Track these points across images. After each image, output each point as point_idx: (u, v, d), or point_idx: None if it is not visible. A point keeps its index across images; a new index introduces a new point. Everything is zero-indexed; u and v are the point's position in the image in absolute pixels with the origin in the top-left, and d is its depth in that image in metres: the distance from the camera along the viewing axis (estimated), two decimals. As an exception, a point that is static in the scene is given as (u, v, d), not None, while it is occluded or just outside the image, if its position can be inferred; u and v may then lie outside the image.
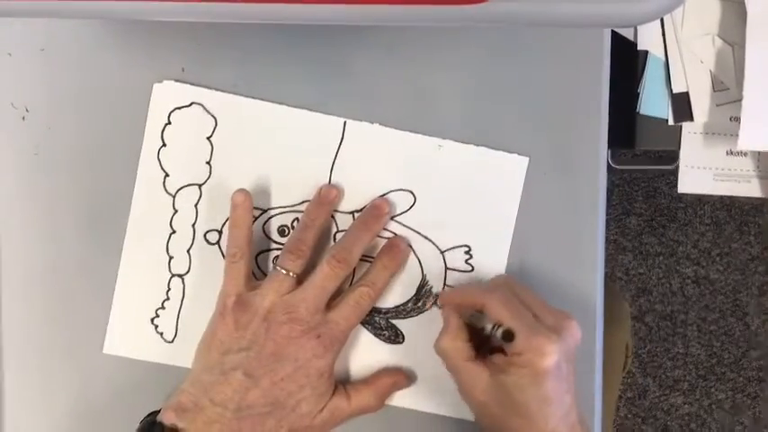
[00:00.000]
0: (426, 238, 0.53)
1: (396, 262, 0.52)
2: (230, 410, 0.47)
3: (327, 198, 0.52)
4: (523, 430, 0.46)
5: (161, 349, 0.53)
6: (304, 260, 0.50)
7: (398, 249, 0.52)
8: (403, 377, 0.52)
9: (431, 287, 0.53)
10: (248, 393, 0.48)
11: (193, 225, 0.53)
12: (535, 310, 0.48)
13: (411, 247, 0.53)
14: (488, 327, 0.47)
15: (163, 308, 0.53)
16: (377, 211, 0.52)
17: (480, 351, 0.49)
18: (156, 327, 0.53)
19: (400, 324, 0.53)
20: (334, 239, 0.53)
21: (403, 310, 0.53)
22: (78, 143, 0.53)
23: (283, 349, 0.48)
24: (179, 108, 0.53)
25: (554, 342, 0.45)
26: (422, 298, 0.53)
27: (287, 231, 0.53)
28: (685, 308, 1.31)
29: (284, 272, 0.49)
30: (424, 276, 0.53)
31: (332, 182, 0.53)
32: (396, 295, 0.53)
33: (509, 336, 0.45)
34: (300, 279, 0.50)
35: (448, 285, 0.53)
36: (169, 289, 0.53)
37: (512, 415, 0.46)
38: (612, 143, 0.55)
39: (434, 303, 0.53)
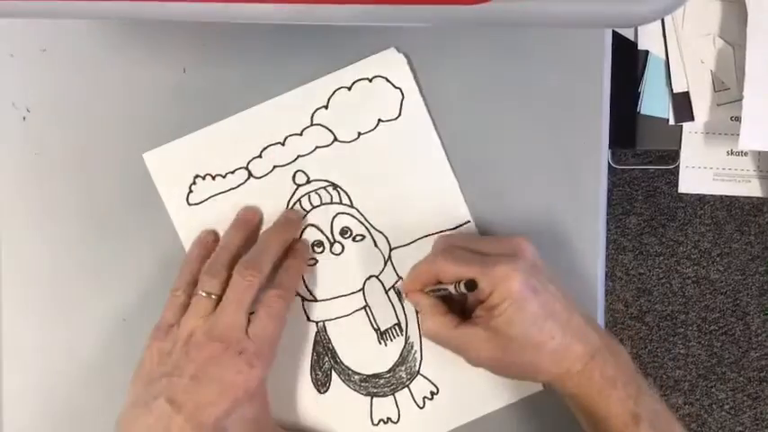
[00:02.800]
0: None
1: (296, 261, 0.52)
2: None
3: (245, 219, 0.52)
4: (539, 358, 0.45)
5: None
6: (220, 280, 0.48)
7: (295, 248, 0.52)
8: None
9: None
10: (171, 421, 0.44)
11: None
12: (482, 249, 0.47)
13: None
14: (451, 289, 0.47)
15: None
16: (285, 220, 0.52)
17: (465, 317, 0.48)
18: None
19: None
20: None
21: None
22: (79, 143, 0.53)
23: (205, 371, 0.46)
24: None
25: (511, 264, 0.45)
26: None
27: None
28: (686, 308, 1.31)
29: (204, 294, 0.48)
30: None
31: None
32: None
33: (472, 285, 0.45)
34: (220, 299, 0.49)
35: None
36: None
37: (521, 352, 0.45)
38: (613, 143, 0.55)
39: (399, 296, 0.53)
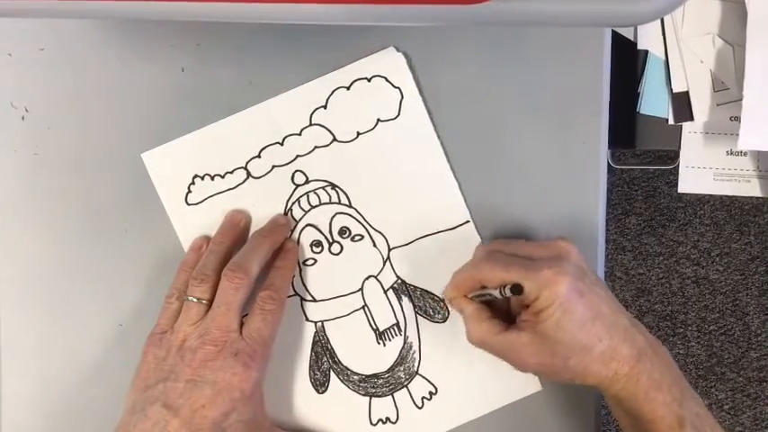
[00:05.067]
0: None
1: (286, 261, 0.52)
2: None
3: (232, 222, 0.52)
4: (588, 361, 0.45)
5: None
6: (209, 284, 0.48)
7: (288, 251, 0.52)
8: None
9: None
10: (168, 425, 0.45)
11: None
12: (527, 253, 0.47)
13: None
14: (496, 294, 0.46)
15: None
16: (273, 224, 0.52)
17: (509, 322, 0.48)
18: None
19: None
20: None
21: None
22: (78, 143, 0.53)
23: (200, 374, 0.46)
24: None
25: (557, 267, 0.45)
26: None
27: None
28: (685, 308, 1.31)
29: (194, 300, 0.49)
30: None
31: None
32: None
33: (518, 289, 0.45)
34: (212, 304, 0.49)
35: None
36: None
37: (569, 355, 0.45)
38: (613, 143, 0.55)
39: (444, 306, 0.53)
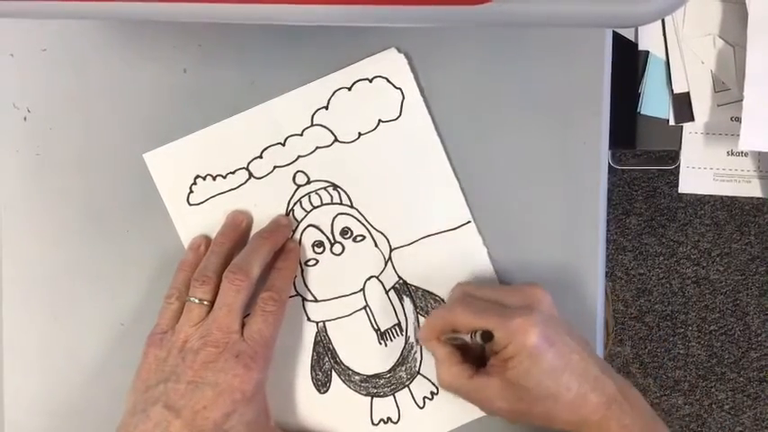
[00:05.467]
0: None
1: (287, 263, 0.52)
2: None
3: (234, 223, 0.52)
4: (556, 410, 0.45)
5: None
6: (210, 286, 0.49)
7: (289, 251, 0.52)
8: None
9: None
10: (170, 426, 0.45)
11: None
12: (499, 299, 0.48)
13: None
14: (467, 339, 0.47)
15: None
16: (274, 225, 0.52)
17: (480, 366, 0.49)
18: None
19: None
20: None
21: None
22: (80, 143, 0.54)
23: (202, 375, 0.46)
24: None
25: (527, 316, 0.45)
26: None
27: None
28: (685, 308, 1.31)
29: (196, 301, 0.49)
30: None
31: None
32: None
33: (488, 336, 0.45)
34: (213, 305, 0.49)
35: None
36: None
37: (537, 403, 0.45)
38: (613, 143, 0.55)
39: (417, 343, 0.53)
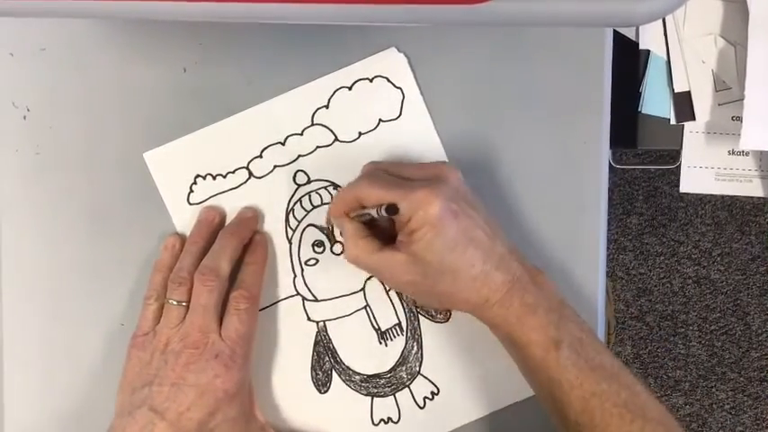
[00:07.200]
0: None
1: (256, 256, 0.52)
2: None
3: (207, 221, 0.52)
4: (458, 285, 0.45)
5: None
6: (187, 287, 0.49)
7: (256, 244, 0.52)
8: None
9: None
10: (155, 429, 0.46)
11: None
12: (406, 174, 0.47)
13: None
14: (374, 213, 0.46)
15: None
16: (239, 219, 0.52)
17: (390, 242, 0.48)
18: None
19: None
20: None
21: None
22: (79, 143, 0.53)
23: (184, 377, 0.47)
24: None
25: (431, 188, 0.44)
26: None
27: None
28: (686, 308, 1.31)
29: (174, 303, 0.49)
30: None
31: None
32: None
33: (392, 209, 0.44)
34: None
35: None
36: None
37: (440, 278, 0.45)
38: (614, 143, 0.55)
39: (330, 230, 0.53)
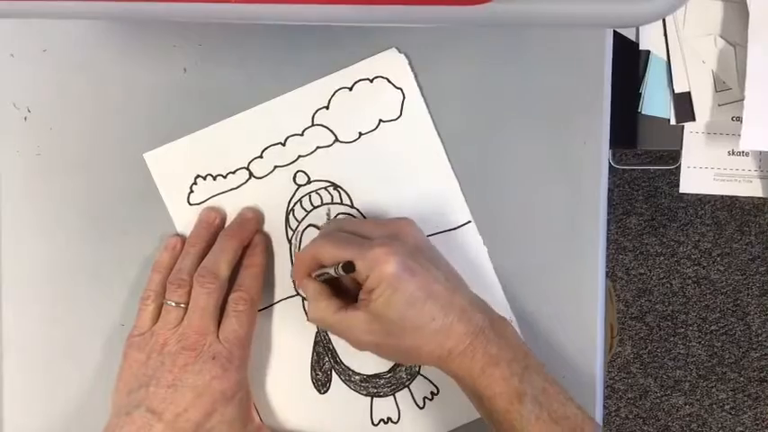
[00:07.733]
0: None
1: (254, 258, 0.52)
2: None
3: (207, 222, 0.52)
4: (420, 340, 0.45)
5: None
6: (186, 288, 0.49)
7: (257, 246, 0.52)
8: None
9: None
10: (152, 429, 0.46)
11: None
12: (364, 232, 0.47)
13: None
14: (332, 272, 0.46)
15: None
16: (240, 220, 0.52)
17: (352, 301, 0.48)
18: None
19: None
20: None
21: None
22: (80, 143, 0.53)
23: (181, 378, 0.47)
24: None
25: (387, 246, 0.45)
26: None
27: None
28: (686, 308, 1.31)
29: (172, 304, 0.49)
30: None
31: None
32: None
33: (349, 267, 0.44)
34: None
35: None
36: None
37: (402, 335, 0.45)
38: (614, 143, 0.55)
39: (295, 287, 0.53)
